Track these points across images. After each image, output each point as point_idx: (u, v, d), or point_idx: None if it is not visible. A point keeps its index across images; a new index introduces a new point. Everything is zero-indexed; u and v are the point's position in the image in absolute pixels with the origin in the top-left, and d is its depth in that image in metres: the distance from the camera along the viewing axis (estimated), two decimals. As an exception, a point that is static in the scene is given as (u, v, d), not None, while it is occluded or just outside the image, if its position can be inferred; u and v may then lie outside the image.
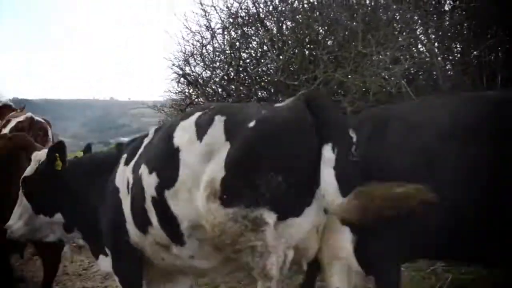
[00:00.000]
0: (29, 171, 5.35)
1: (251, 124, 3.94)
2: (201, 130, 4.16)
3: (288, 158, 3.89)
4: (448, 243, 4.02)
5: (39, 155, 5.41)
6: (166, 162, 4.31)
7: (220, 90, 8.62)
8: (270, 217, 3.92)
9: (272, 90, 8.22)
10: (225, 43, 8.68)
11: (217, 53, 8.75)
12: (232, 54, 8.41)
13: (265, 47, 8.19)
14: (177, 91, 9.23)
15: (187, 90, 9.08)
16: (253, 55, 8.53)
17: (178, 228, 4.33)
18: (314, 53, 7.68)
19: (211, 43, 8.77)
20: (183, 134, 4.28)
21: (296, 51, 7.79)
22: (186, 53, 8.91)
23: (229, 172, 3.94)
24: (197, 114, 4.33)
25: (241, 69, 8.36)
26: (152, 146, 4.61)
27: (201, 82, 8.73)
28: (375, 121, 4.32)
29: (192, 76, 8.84)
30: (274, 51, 7.81)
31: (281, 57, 7.74)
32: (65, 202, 5.26)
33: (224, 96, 8.45)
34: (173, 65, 8.96)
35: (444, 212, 3.80)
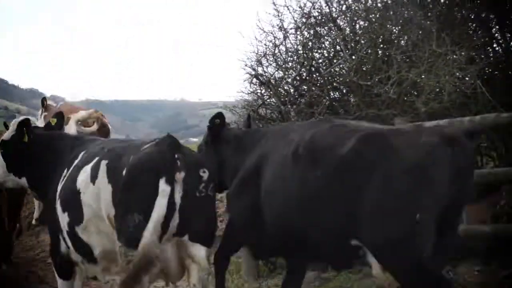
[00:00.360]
0: (6, 136, 6.22)
1: (124, 171, 4.87)
2: (93, 173, 5.13)
3: (142, 201, 4.74)
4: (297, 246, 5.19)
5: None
6: (73, 202, 5.27)
7: (292, 90, 8.65)
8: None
9: (345, 91, 8.23)
10: (298, 43, 8.71)
11: (290, 53, 8.79)
12: (304, 54, 8.44)
13: (337, 47, 8.20)
14: (250, 92, 9.27)
15: (259, 91, 9.13)
16: (326, 55, 8.54)
17: (91, 253, 5.31)
18: (388, 53, 7.63)
19: (284, 43, 8.80)
20: (82, 177, 5.26)
21: (369, 51, 7.77)
22: (259, 53, 8.94)
23: (117, 211, 4.88)
24: (96, 160, 5.25)
25: (313, 69, 8.38)
26: (66, 183, 5.49)
27: (274, 82, 8.77)
28: (256, 138, 5.77)
29: (265, 77, 8.89)
30: (347, 51, 7.81)
31: (354, 57, 7.74)
32: (29, 171, 6.16)
33: (296, 96, 8.49)
34: (246, 65, 8.99)
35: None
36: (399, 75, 7.29)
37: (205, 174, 4.98)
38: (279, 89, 8.75)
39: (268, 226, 5.26)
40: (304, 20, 8.64)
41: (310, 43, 8.57)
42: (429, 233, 4.26)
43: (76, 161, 5.55)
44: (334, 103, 8.08)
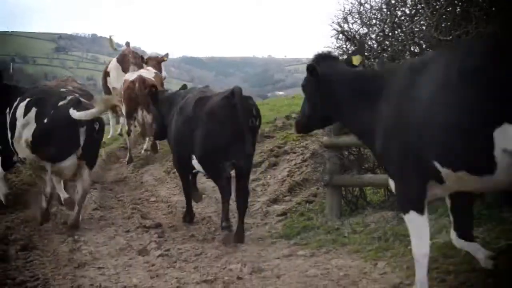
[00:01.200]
0: None
1: (46, 120, 8.76)
2: (26, 111, 8.93)
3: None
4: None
5: None
6: (12, 124, 9.10)
7: (375, 45, 9.10)
8: (48, 165, 8.83)
9: (425, 46, 8.58)
10: (382, 2, 9.16)
11: (374, 11, 9.23)
12: (388, 12, 8.86)
13: (418, 6, 8.55)
14: (335, 47, 9.62)
15: (344, 46, 9.56)
16: (408, 12, 8.90)
17: (23, 158, 9.22)
18: (467, 10, 7.93)
19: (368, 2, 9.27)
20: (19, 110, 8.96)
21: (449, 8, 8.09)
22: (345, 11, 9.41)
23: (33, 138, 8.75)
24: (28, 99, 9.04)
25: (396, 26, 8.77)
26: (13, 113, 9.23)
27: (358, 38, 9.27)
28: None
29: (350, 33, 9.35)
30: (428, 8, 8.19)
31: (434, 13, 8.10)
32: None
33: (379, 51, 8.93)
34: (333, 22, 9.44)
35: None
36: (477, 30, 7.59)
37: (97, 126, 8.90)
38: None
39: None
40: (388, -21, 8.99)
41: (393, 1, 8.95)
42: (224, 150, 8.02)
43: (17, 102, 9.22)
44: (415, 57, 8.51)
